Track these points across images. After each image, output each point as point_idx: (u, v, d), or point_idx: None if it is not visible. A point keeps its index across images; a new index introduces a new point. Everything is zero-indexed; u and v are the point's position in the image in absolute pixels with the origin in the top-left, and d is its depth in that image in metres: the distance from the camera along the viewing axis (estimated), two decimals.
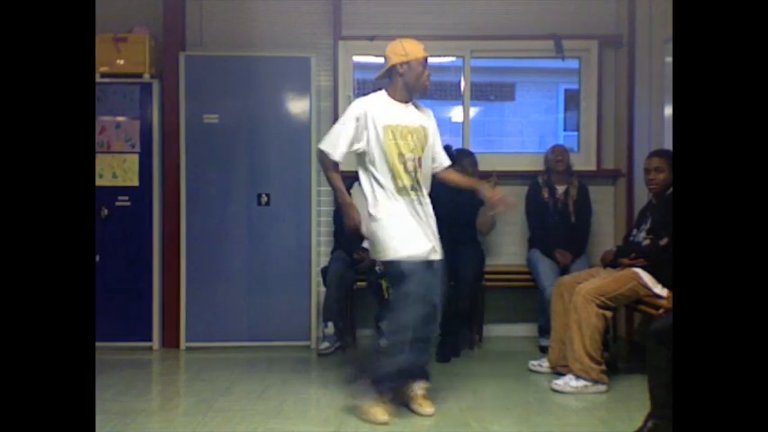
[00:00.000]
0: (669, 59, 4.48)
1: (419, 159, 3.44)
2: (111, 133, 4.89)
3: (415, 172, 3.42)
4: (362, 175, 3.48)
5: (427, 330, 3.45)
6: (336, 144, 3.42)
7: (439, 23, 5.28)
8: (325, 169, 3.53)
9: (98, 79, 4.77)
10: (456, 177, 3.74)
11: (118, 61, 4.84)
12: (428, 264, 3.39)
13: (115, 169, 4.88)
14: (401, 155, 3.39)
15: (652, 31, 4.85)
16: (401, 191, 3.39)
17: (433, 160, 3.58)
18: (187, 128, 4.90)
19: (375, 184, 3.42)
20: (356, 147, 3.42)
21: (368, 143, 3.40)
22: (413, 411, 3.45)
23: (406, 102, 3.47)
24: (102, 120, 4.85)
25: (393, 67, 3.43)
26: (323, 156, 3.47)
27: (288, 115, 4.99)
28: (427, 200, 3.48)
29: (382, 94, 3.49)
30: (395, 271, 3.37)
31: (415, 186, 3.42)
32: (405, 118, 3.43)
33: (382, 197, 3.40)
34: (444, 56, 5.49)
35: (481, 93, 7.39)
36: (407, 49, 3.42)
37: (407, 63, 3.40)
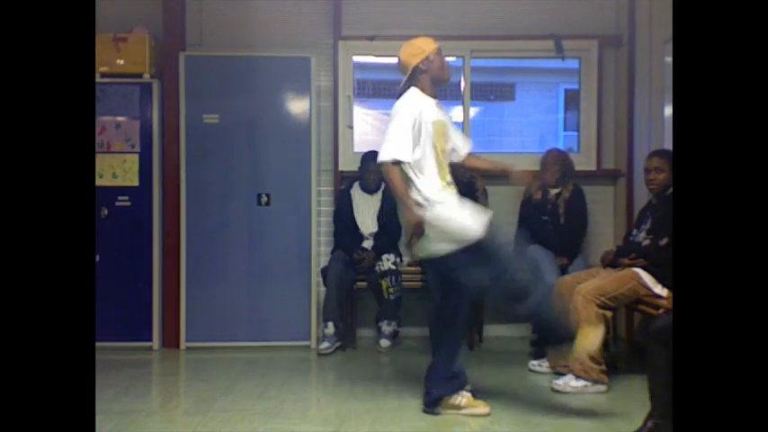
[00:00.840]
0: (669, 59, 4.47)
1: (448, 153, 3.47)
2: (111, 133, 4.89)
3: (450, 166, 3.43)
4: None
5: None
6: (406, 148, 3.27)
7: (439, 23, 5.28)
8: (396, 184, 3.25)
9: (98, 79, 4.77)
10: (481, 163, 3.74)
11: (118, 61, 4.84)
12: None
13: (115, 169, 4.88)
14: (443, 150, 3.38)
15: (652, 31, 4.85)
16: (447, 186, 3.36)
17: (454, 150, 3.55)
18: (187, 128, 4.90)
19: (420, 186, 3.31)
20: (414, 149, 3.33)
21: (420, 144, 3.32)
22: (469, 416, 3.42)
23: (435, 97, 3.47)
24: (102, 120, 4.85)
25: (416, 67, 3.41)
26: (392, 168, 3.25)
27: (288, 115, 4.99)
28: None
29: (417, 91, 3.42)
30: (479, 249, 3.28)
31: (452, 181, 3.42)
32: (439, 113, 3.44)
33: (431, 192, 3.31)
34: (444, 56, 5.48)
35: (481, 93, 7.39)
36: (421, 47, 3.43)
37: (427, 58, 3.41)
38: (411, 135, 3.28)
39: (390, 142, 3.28)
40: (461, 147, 3.59)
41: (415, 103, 3.36)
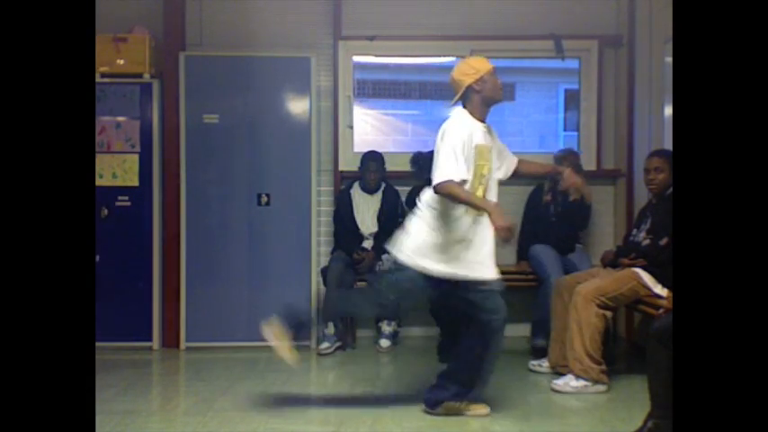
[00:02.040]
0: (669, 59, 4.48)
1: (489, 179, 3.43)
2: (111, 133, 4.88)
3: (487, 192, 3.39)
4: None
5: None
6: (462, 168, 3.25)
7: (439, 23, 5.29)
8: (462, 195, 3.22)
9: (98, 79, 4.77)
10: (534, 167, 3.74)
11: (118, 61, 4.84)
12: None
13: (115, 169, 4.88)
14: (482, 175, 3.35)
15: (652, 31, 4.85)
16: (470, 210, 3.32)
17: (502, 167, 3.55)
18: (187, 128, 4.90)
19: (442, 208, 3.33)
20: None
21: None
22: (469, 417, 3.43)
23: (484, 120, 3.43)
24: (102, 120, 4.84)
25: (469, 87, 3.37)
26: (450, 185, 3.20)
27: (288, 115, 4.99)
28: (487, 220, 3.32)
29: (466, 113, 3.40)
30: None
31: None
32: (486, 137, 3.40)
33: (445, 217, 3.33)
34: (444, 56, 5.49)
35: None
36: (476, 66, 3.39)
37: (481, 79, 3.37)
38: (463, 156, 3.26)
39: (446, 166, 3.24)
40: (510, 161, 3.59)
41: (465, 126, 3.33)
